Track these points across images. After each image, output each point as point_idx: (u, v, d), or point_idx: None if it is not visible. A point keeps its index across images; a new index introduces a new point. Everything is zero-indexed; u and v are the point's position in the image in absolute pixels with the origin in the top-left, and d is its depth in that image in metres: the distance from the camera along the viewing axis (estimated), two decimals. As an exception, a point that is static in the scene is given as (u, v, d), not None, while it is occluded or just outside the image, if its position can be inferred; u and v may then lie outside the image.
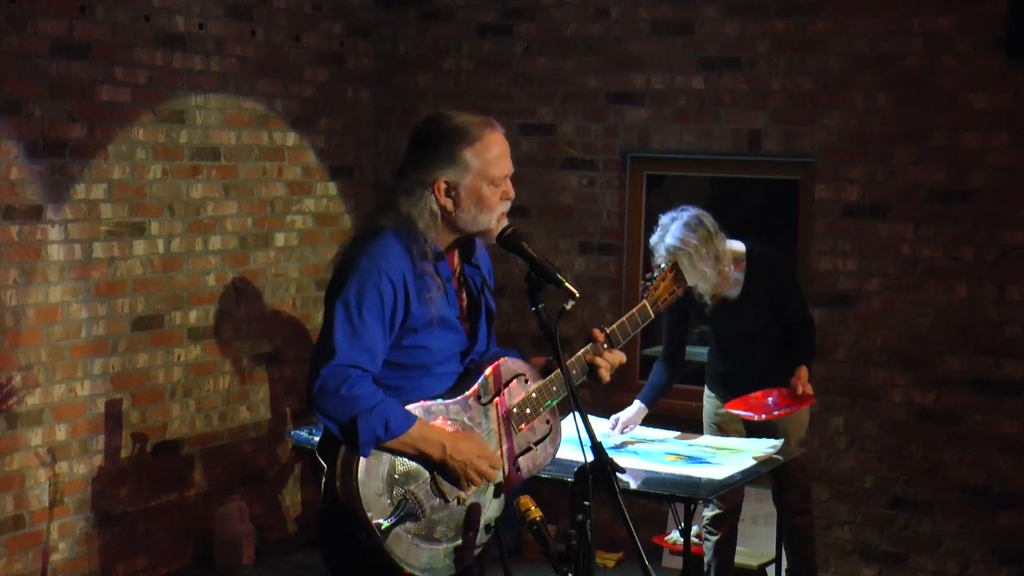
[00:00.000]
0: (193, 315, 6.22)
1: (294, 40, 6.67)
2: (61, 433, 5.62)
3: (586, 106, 6.69)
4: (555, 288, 3.18)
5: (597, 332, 3.45)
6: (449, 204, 3.24)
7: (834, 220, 6.16)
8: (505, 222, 3.30)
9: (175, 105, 6.06)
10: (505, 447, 3.32)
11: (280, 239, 6.67)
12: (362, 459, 3.13)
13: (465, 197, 3.24)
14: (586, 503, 3.00)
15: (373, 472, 3.14)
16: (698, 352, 6.15)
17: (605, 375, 3.42)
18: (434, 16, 7.04)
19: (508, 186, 3.30)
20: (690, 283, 5.05)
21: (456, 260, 3.38)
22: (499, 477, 3.30)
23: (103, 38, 5.69)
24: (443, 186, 3.23)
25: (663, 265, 3.70)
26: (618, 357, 3.44)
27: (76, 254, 5.65)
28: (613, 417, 5.39)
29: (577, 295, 3.17)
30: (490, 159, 3.25)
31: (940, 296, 5.96)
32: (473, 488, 3.25)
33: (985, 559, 5.93)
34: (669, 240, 5.10)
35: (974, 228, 5.89)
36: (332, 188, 6.95)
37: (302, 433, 5.18)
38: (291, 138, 6.71)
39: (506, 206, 3.30)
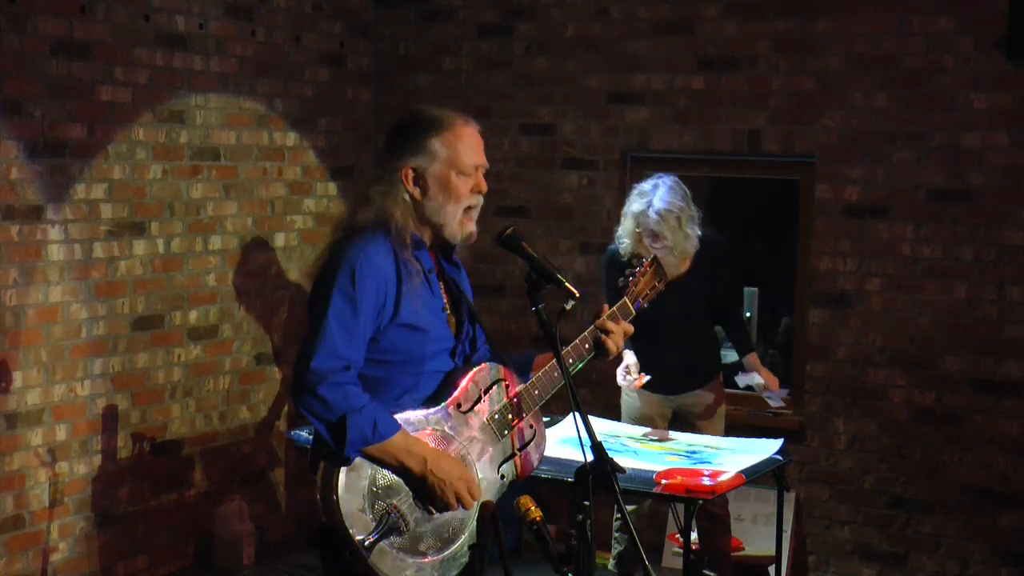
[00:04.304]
0: (193, 315, 6.22)
1: (294, 40, 6.67)
2: (61, 433, 5.62)
3: (586, 106, 6.69)
4: (555, 288, 3.18)
5: (606, 306, 3.51)
6: (417, 192, 3.26)
7: (834, 220, 6.16)
8: (471, 223, 3.29)
9: (175, 105, 6.06)
10: (487, 455, 3.31)
11: (280, 239, 6.67)
12: (342, 475, 3.09)
13: (432, 185, 3.26)
14: (586, 503, 2.99)
15: (353, 487, 3.11)
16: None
17: (612, 345, 3.43)
18: (434, 16, 7.04)
19: (479, 179, 3.30)
20: (670, 243, 5.37)
21: (435, 256, 3.36)
22: (475, 506, 3.24)
23: (103, 38, 5.69)
24: (410, 174, 3.26)
25: (643, 260, 3.70)
26: (626, 327, 3.48)
27: (76, 254, 5.65)
28: (621, 369, 5.52)
29: (577, 295, 3.17)
30: (459, 148, 3.26)
31: (940, 296, 5.96)
32: (448, 512, 3.21)
33: (985, 559, 5.93)
34: (658, 204, 5.34)
35: (974, 228, 5.89)
36: (332, 188, 6.95)
37: (302, 433, 5.17)
38: (291, 138, 6.71)
39: (476, 200, 3.29)
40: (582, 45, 6.67)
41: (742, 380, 5.67)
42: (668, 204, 5.33)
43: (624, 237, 5.47)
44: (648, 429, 5.40)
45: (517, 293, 6.65)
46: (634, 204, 5.42)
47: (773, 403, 5.77)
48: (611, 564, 5.72)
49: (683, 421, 5.68)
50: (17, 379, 5.42)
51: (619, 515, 5.64)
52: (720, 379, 5.74)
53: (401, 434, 3.15)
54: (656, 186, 5.41)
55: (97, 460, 5.80)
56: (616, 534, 5.71)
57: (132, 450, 5.96)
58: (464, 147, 3.27)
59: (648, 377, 5.45)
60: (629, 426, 5.45)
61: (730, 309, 5.68)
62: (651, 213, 5.32)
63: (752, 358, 5.65)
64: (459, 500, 3.19)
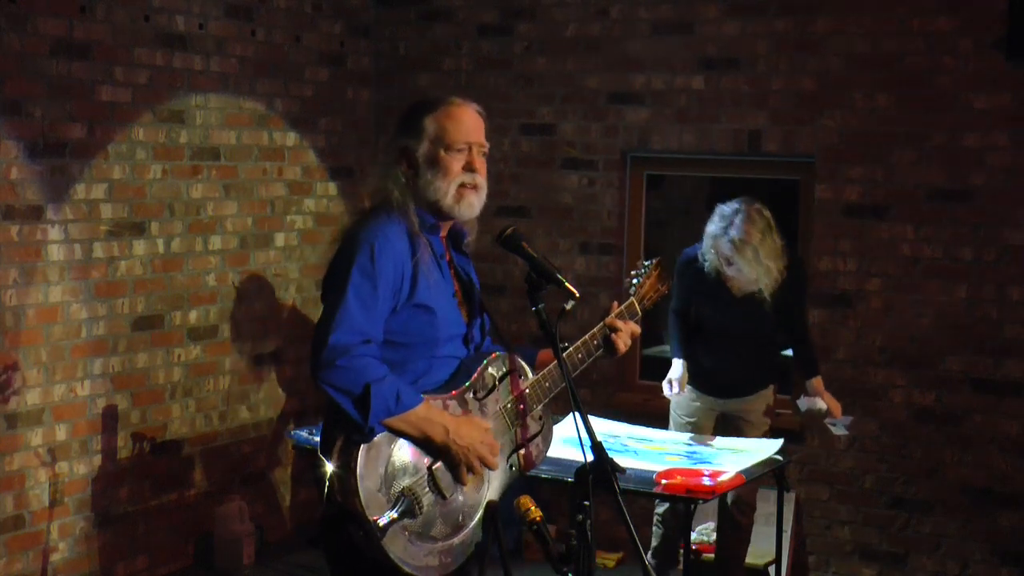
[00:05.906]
0: (193, 315, 6.22)
1: (294, 40, 6.67)
2: (61, 433, 5.62)
3: (586, 106, 6.69)
4: (555, 288, 3.18)
5: (615, 304, 3.54)
6: (410, 172, 3.29)
7: (834, 220, 6.16)
8: (469, 201, 3.28)
9: (175, 105, 6.06)
10: (499, 444, 3.31)
11: (280, 239, 6.67)
12: (361, 453, 3.10)
13: (422, 163, 3.29)
14: (586, 503, 3.00)
15: (372, 467, 3.11)
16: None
17: (620, 343, 3.47)
18: (434, 16, 7.05)
19: (474, 157, 3.30)
20: (751, 277, 5.24)
21: (447, 245, 3.39)
22: (499, 465, 3.29)
23: (103, 38, 5.69)
24: (403, 153, 3.29)
25: (648, 263, 3.73)
26: (633, 327, 3.51)
27: (76, 254, 5.65)
28: (665, 382, 5.50)
29: (577, 295, 3.18)
30: (448, 125, 3.28)
31: (940, 296, 5.96)
32: (472, 478, 3.23)
33: (985, 559, 5.93)
34: (735, 233, 5.18)
35: (974, 228, 5.89)
36: (332, 188, 6.95)
37: (302, 433, 5.19)
38: (291, 138, 6.71)
39: (470, 178, 3.28)
40: (582, 45, 6.67)
41: (804, 404, 5.56)
42: (744, 234, 5.17)
43: (707, 254, 5.35)
44: (690, 435, 5.40)
45: (517, 293, 6.66)
46: (712, 225, 5.28)
47: (837, 431, 5.62)
48: (648, 557, 5.72)
49: (729, 424, 5.63)
50: (17, 379, 5.42)
51: (658, 511, 5.64)
52: (772, 387, 5.67)
53: (424, 405, 3.17)
54: (737, 211, 5.24)
55: (97, 460, 5.80)
56: (654, 528, 5.70)
57: (132, 450, 5.96)
58: (453, 124, 3.29)
59: (685, 392, 5.46)
60: (629, 426, 5.45)
61: (797, 330, 5.54)
62: (725, 241, 5.21)
63: (816, 383, 5.53)
64: (484, 464, 3.22)
